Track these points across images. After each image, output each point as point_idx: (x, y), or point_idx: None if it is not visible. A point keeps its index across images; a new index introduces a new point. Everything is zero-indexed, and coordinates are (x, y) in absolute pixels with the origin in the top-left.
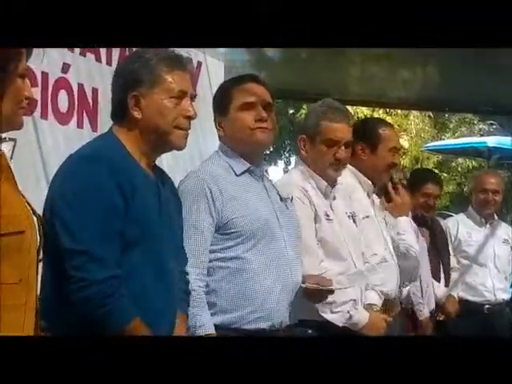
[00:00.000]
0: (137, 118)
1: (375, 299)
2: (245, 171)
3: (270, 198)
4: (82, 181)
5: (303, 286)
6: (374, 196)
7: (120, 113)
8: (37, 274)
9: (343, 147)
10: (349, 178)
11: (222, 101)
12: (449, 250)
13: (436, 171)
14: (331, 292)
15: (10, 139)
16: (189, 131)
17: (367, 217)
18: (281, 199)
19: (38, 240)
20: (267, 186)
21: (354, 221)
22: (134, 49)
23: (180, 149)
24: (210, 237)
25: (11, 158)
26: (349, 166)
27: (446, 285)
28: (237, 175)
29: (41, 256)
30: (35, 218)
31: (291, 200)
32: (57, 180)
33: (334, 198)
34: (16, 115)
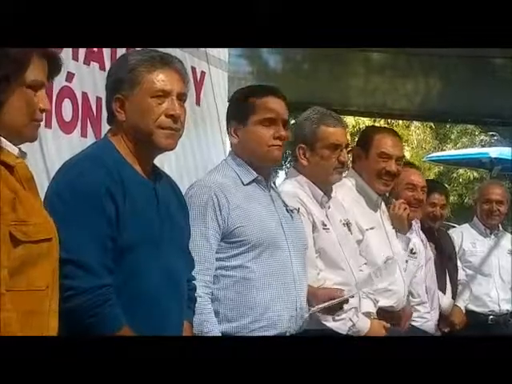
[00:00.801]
0: (121, 121)
1: (370, 307)
2: (252, 181)
3: (276, 208)
4: (71, 189)
5: (316, 308)
6: (384, 206)
7: (110, 116)
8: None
9: (344, 150)
10: (345, 188)
11: (243, 110)
12: (456, 263)
13: (441, 182)
14: (346, 302)
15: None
16: (178, 131)
17: (372, 228)
18: (287, 210)
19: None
20: (274, 197)
21: (349, 229)
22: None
23: (167, 149)
24: (215, 245)
25: None
26: (351, 177)
27: (453, 297)
28: (244, 185)
29: None
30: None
31: (298, 211)
32: (50, 187)
33: (329, 208)
34: (26, 127)
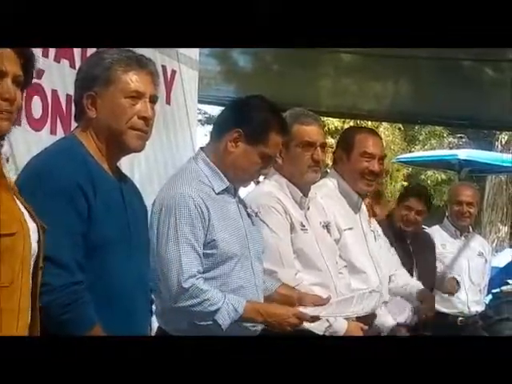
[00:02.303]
0: (92, 118)
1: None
2: (223, 190)
3: (241, 215)
4: (41, 185)
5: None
6: (364, 207)
7: (78, 113)
8: (33, 279)
9: (319, 148)
10: (325, 190)
11: (255, 132)
12: (435, 267)
13: (426, 188)
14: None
15: None
16: (147, 133)
17: (350, 229)
18: (248, 216)
19: (36, 247)
20: (238, 203)
21: (328, 230)
22: None
23: (136, 150)
24: (201, 254)
25: None
26: (332, 178)
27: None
28: (216, 193)
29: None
30: (34, 225)
31: (256, 215)
32: (17, 185)
33: (308, 208)
34: None
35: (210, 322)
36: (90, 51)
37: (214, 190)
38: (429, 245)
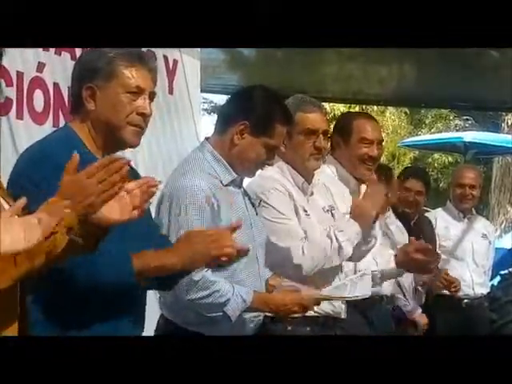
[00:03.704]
0: (90, 110)
1: None
2: (230, 182)
3: (246, 206)
4: (37, 172)
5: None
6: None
7: (75, 105)
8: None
9: (321, 136)
10: (329, 174)
11: (260, 123)
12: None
13: (424, 169)
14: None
15: None
16: (144, 130)
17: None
18: (252, 205)
19: None
20: (244, 194)
21: (333, 214)
22: None
23: (132, 146)
24: None
25: None
26: (330, 164)
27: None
28: (223, 185)
29: None
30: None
31: (259, 204)
32: (10, 175)
33: (312, 194)
34: None
35: (220, 314)
36: None
37: (221, 182)
38: (430, 227)
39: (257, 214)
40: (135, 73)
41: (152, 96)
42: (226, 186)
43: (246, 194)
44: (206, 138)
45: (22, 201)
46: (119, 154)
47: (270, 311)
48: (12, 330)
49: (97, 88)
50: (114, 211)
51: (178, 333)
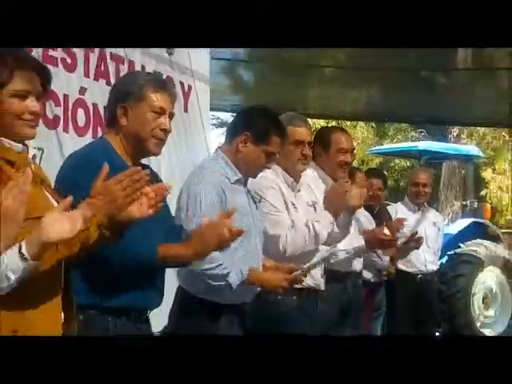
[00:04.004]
0: (123, 125)
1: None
2: (237, 180)
3: (249, 202)
4: (79, 175)
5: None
6: None
7: (111, 120)
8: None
9: (307, 146)
10: (312, 176)
11: (259, 133)
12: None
13: (382, 170)
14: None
15: (39, 148)
16: (164, 142)
17: None
18: (254, 201)
19: None
20: (247, 192)
21: (315, 208)
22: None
23: (154, 154)
24: None
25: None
26: (313, 168)
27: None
28: (231, 183)
29: None
30: None
31: (259, 200)
32: (57, 177)
33: (299, 191)
34: (15, 127)
35: (223, 283)
36: (123, 72)
37: (229, 180)
38: (388, 216)
39: (257, 208)
40: (159, 97)
41: (171, 115)
42: (233, 184)
43: (248, 192)
44: (219, 147)
45: (69, 199)
46: (146, 161)
47: (261, 286)
48: (57, 300)
49: (128, 107)
50: (134, 210)
51: (191, 300)
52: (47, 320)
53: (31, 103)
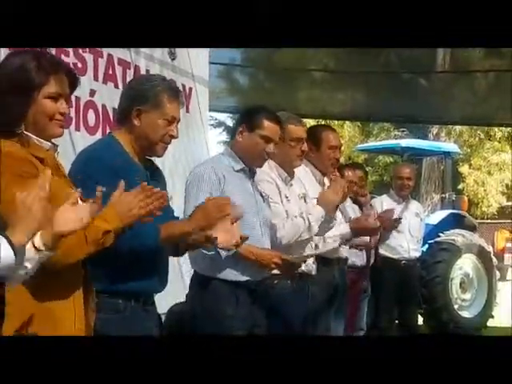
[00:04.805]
0: (135, 126)
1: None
2: (241, 169)
3: (254, 192)
4: (90, 168)
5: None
6: (326, 182)
7: (124, 118)
8: None
9: (305, 143)
10: (302, 171)
11: (254, 121)
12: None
13: (362, 164)
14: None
15: (54, 145)
16: (168, 145)
17: (315, 198)
18: (260, 194)
19: None
20: (253, 184)
21: (305, 200)
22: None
23: (159, 156)
24: None
25: None
26: (304, 164)
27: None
28: (235, 171)
29: None
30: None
31: (268, 197)
32: (70, 170)
33: (291, 185)
34: (47, 126)
35: (213, 252)
36: (129, 76)
37: (233, 168)
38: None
39: (263, 200)
40: (172, 107)
41: (178, 122)
42: (237, 172)
43: (255, 184)
44: (227, 143)
45: (78, 193)
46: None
47: (254, 260)
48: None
49: (143, 111)
50: None
51: (199, 278)
52: (69, 309)
53: (62, 105)
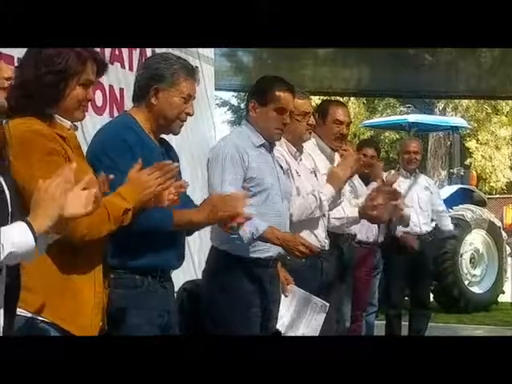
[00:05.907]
0: (153, 104)
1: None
2: (261, 144)
3: (275, 165)
4: (108, 146)
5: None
6: (337, 158)
7: (141, 96)
8: None
9: (311, 116)
10: (311, 144)
11: (266, 94)
12: None
13: (374, 140)
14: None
15: (75, 125)
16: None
17: (325, 174)
18: (281, 167)
19: None
20: (273, 157)
21: (316, 175)
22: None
23: (175, 134)
24: (241, 181)
25: None
26: (312, 138)
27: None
28: (255, 146)
29: None
30: None
31: (287, 171)
32: (90, 148)
33: (301, 160)
34: (75, 110)
35: (236, 236)
36: (135, 56)
37: (254, 144)
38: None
39: (284, 174)
40: (189, 85)
41: (193, 100)
42: (258, 147)
43: (274, 155)
44: (245, 118)
45: (90, 177)
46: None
47: (278, 243)
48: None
49: (160, 90)
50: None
51: (219, 254)
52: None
53: (90, 92)
